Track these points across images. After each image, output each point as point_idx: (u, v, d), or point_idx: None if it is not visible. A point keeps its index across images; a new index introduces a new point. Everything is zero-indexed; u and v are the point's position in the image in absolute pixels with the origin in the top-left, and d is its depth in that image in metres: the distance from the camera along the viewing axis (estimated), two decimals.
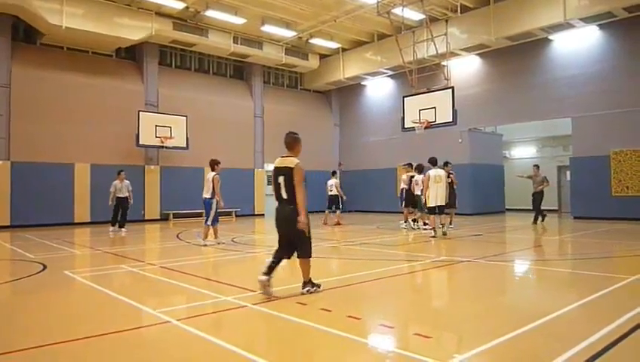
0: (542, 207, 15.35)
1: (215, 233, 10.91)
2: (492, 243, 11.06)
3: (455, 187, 14.04)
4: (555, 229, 14.24)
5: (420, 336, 4.00)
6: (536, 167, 15.79)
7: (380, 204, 22.92)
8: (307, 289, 5.50)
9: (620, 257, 8.82)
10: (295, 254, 5.53)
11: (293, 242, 5.50)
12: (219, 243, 10.70)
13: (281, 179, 5.44)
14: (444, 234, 12.08)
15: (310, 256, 5.54)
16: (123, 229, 14.32)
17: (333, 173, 17.19)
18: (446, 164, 13.66)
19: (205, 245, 10.57)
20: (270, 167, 22.93)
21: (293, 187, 5.34)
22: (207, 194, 10.68)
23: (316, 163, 23.45)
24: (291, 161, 5.44)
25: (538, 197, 15.29)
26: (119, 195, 14.39)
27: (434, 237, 11.73)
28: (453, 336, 4.18)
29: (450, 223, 13.74)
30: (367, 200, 23.76)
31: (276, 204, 5.56)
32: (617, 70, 16.35)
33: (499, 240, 11.59)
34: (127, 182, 14.62)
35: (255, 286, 5.43)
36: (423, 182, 12.70)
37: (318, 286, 5.62)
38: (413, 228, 14.23)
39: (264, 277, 5.31)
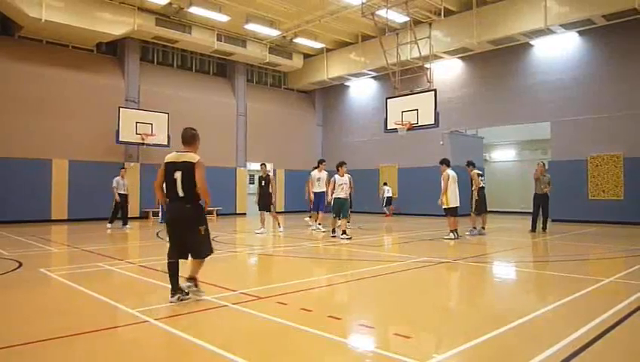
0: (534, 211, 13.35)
1: None
2: (471, 244, 11.18)
3: (473, 189, 12.95)
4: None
5: (399, 336, 4.02)
6: (542, 164, 13.45)
7: (361, 204, 22.95)
8: (188, 285, 5.17)
9: (595, 260, 9.00)
10: (190, 255, 5.17)
11: (188, 243, 5.12)
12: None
13: (177, 175, 5.04)
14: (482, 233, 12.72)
15: (208, 255, 5.21)
16: (127, 226, 14.59)
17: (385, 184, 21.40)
18: (470, 164, 12.98)
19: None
20: (253, 166, 23.15)
21: (192, 184, 5.02)
22: None
23: (299, 163, 23.52)
24: (192, 157, 5.11)
25: (546, 200, 13.19)
26: (120, 192, 14.20)
27: (455, 239, 11.60)
28: (432, 336, 4.21)
29: (458, 230, 12.32)
30: None
31: (168, 201, 5.16)
32: (596, 76, 16.69)
33: (478, 242, 11.71)
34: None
35: (235, 286, 5.38)
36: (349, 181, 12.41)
37: (200, 289, 5.25)
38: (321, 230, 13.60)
39: (174, 298, 4.95)
